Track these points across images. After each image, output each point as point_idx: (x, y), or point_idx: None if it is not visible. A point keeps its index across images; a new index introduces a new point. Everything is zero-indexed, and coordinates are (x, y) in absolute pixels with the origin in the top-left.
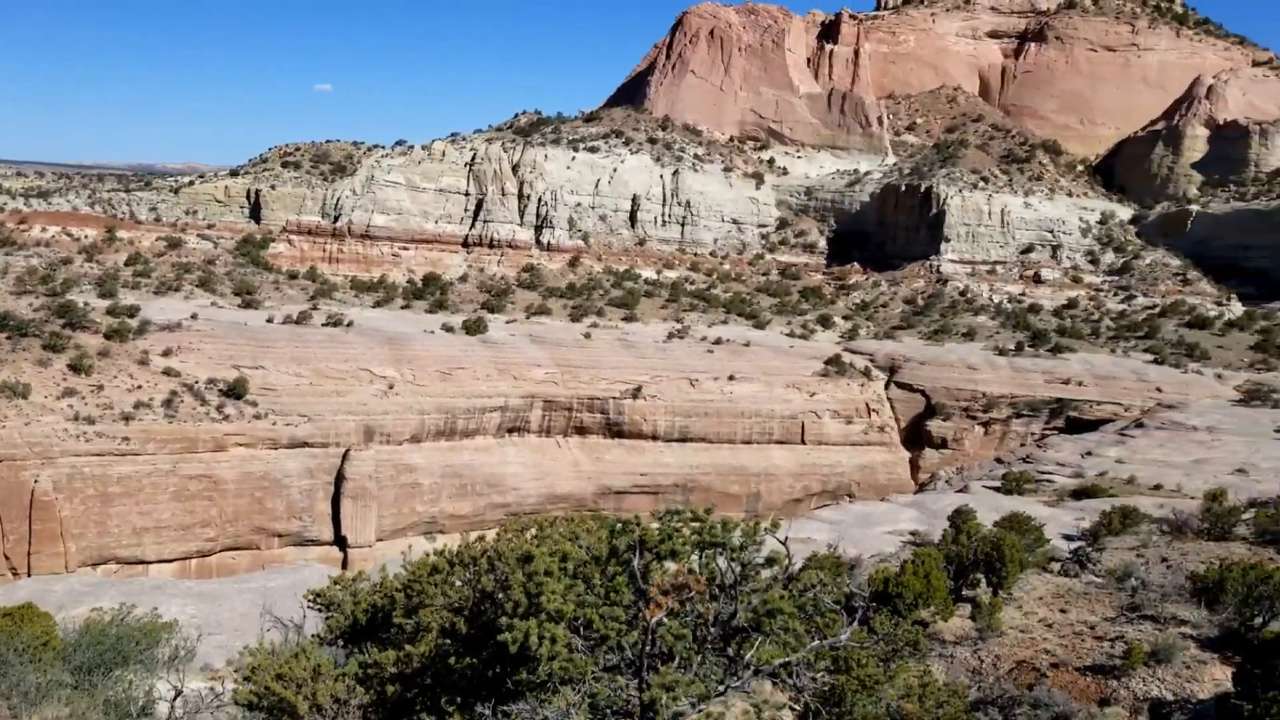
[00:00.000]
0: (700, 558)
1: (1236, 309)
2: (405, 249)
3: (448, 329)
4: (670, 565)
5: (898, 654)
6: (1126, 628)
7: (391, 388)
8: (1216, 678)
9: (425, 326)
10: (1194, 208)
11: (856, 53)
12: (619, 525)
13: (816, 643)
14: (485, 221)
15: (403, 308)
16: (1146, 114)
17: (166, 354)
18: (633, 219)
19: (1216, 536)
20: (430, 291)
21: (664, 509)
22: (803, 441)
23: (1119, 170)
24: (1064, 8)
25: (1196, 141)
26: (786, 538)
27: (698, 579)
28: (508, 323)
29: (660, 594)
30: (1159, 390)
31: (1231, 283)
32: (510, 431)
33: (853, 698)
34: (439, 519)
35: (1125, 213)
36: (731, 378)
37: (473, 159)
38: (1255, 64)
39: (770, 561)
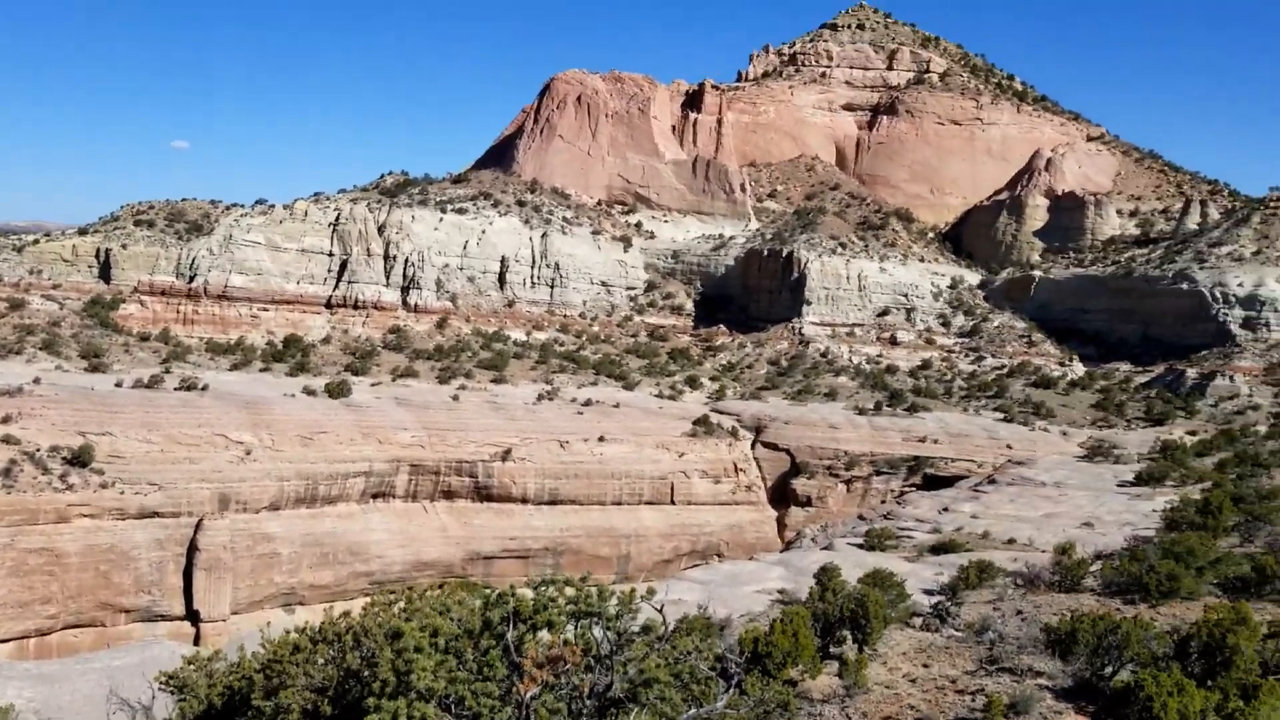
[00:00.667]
0: (576, 627)
1: (1078, 369)
2: (265, 310)
3: (309, 392)
4: (545, 636)
5: (769, 716)
6: (986, 680)
7: (249, 454)
8: None
9: (285, 390)
10: (1037, 273)
11: (719, 122)
12: (493, 596)
13: (693, 711)
14: (350, 282)
15: (262, 370)
16: (991, 184)
17: (5, 420)
18: (501, 280)
19: (1067, 588)
20: (291, 353)
21: (535, 574)
22: (672, 502)
23: (967, 237)
24: (914, 83)
25: (1037, 211)
26: (663, 605)
27: (574, 650)
28: (373, 385)
29: (535, 667)
30: (1009, 447)
31: (1072, 344)
32: (375, 497)
33: None
34: (298, 590)
35: (974, 278)
36: (601, 439)
37: (337, 219)
38: (1089, 139)
39: (646, 629)
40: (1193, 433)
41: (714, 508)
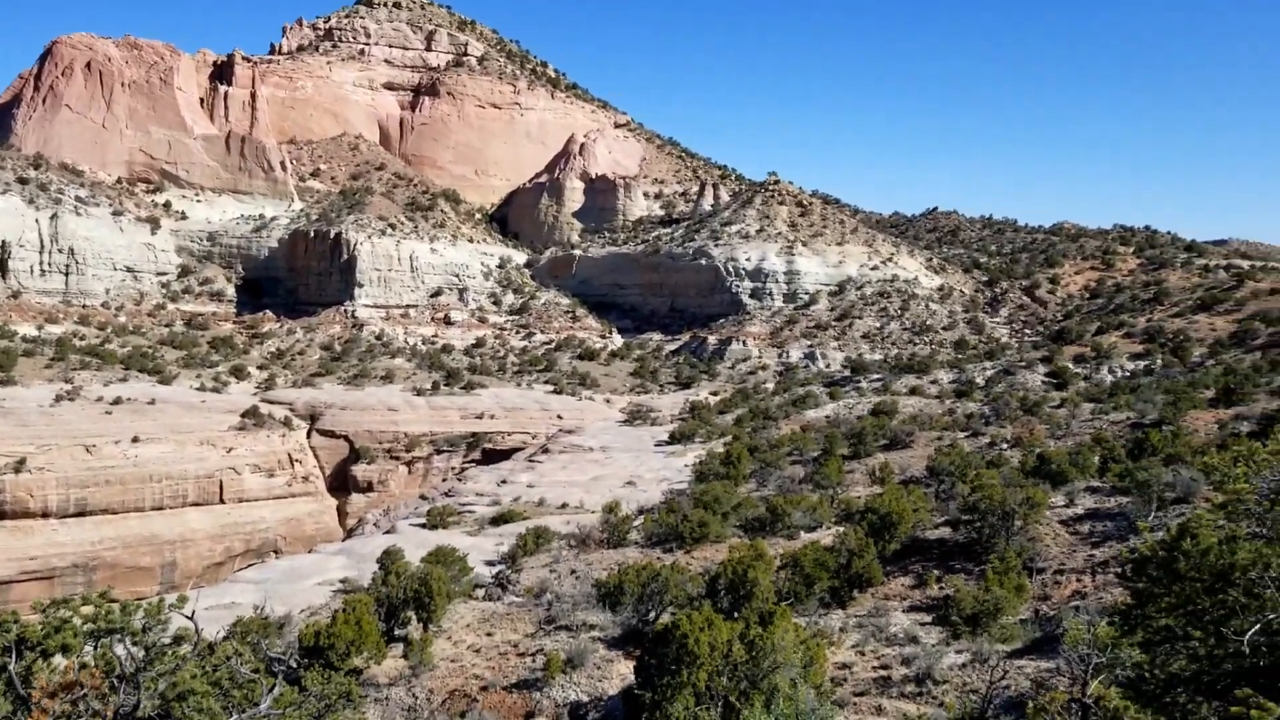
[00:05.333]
0: (96, 647)
1: (618, 340)
2: None
3: None
4: (61, 661)
5: (331, 709)
6: (545, 640)
7: None
8: (622, 673)
9: None
10: (577, 252)
11: (253, 95)
12: None
13: (235, 717)
14: None
15: None
16: (532, 167)
17: None
18: (3, 269)
19: (615, 544)
20: None
21: (63, 595)
22: (222, 501)
23: (512, 218)
24: (453, 66)
25: (575, 193)
26: (194, 611)
27: (93, 673)
28: None
29: (46, 697)
30: (560, 417)
31: (611, 317)
32: None
33: None
34: None
35: (521, 257)
36: (136, 439)
37: None
38: (617, 125)
39: (179, 639)
40: (715, 393)
41: (269, 502)
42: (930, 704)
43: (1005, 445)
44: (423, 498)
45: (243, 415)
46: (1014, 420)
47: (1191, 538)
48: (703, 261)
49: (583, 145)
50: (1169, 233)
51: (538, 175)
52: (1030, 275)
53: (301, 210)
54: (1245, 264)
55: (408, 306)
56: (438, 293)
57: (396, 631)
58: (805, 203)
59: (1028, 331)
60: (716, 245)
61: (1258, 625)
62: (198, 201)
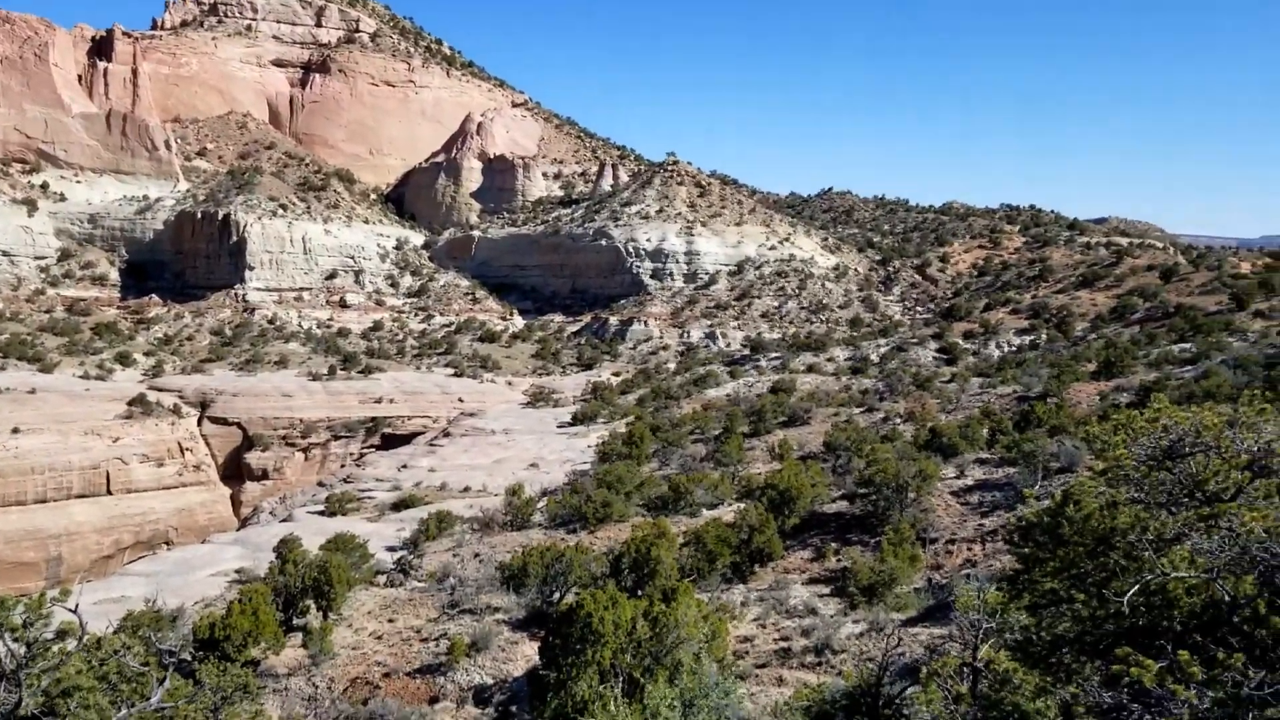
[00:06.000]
0: None
1: (519, 322)
2: None
3: None
4: None
5: (228, 701)
6: (449, 625)
7: None
8: (528, 654)
9: None
10: (476, 233)
11: (135, 73)
12: None
13: (124, 712)
14: None
15: None
16: (429, 146)
17: None
18: None
19: (518, 526)
20: None
21: None
22: (109, 492)
23: (409, 198)
24: (345, 42)
25: (473, 173)
26: (78, 605)
27: None
28: None
29: None
30: (461, 400)
31: (512, 298)
32: None
33: None
34: None
35: (418, 238)
36: (16, 430)
37: None
38: (515, 104)
39: (63, 634)
40: (617, 374)
41: (159, 493)
42: (829, 673)
43: (899, 420)
44: (321, 485)
45: (129, 403)
46: (907, 395)
47: (1074, 504)
48: (603, 242)
49: (480, 124)
50: (1053, 211)
51: (434, 155)
52: (922, 254)
53: (188, 191)
54: (1124, 241)
55: (301, 289)
56: (332, 275)
57: (295, 621)
58: (704, 183)
59: (920, 309)
60: (617, 226)
61: (1136, 586)
62: (77, 182)
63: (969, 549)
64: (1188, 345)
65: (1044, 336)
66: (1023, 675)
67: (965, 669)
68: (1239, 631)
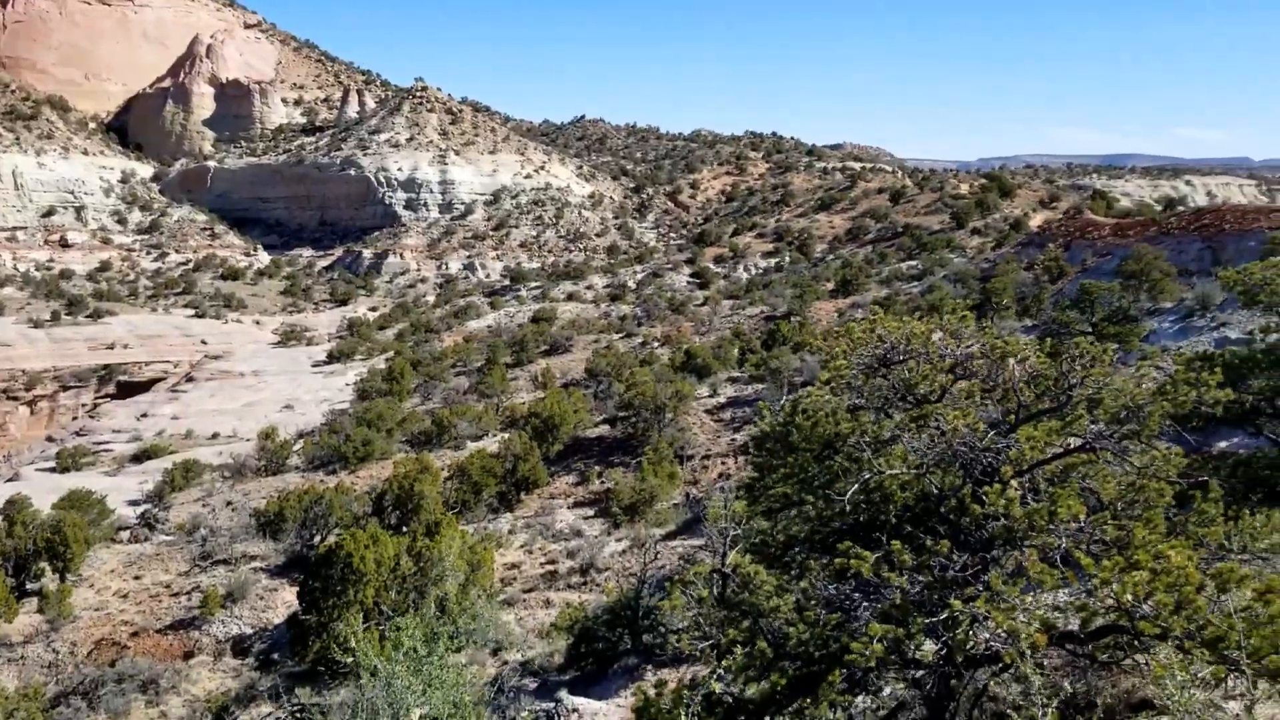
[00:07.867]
0: None
1: (264, 258)
2: None
3: None
4: None
5: None
6: (201, 577)
7: None
8: (288, 600)
9: None
10: (211, 164)
11: None
12: None
13: None
14: None
15: None
16: (154, 71)
17: None
18: None
19: (274, 471)
20: None
21: None
22: None
23: (133, 127)
24: None
25: (204, 99)
26: None
27: None
28: None
29: None
30: (204, 343)
31: (255, 233)
32: None
33: None
34: None
35: (146, 170)
36: None
37: None
38: (247, 26)
39: None
40: (374, 309)
41: None
42: (594, 591)
43: (656, 344)
44: (50, 439)
45: None
46: (663, 320)
47: (803, 413)
48: (352, 172)
49: (209, 46)
50: (793, 138)
51: (160, 80)
52: (673, 181)
53: None
54: (858, 166)
55: (15, 229)
56: (50, 212)
57: (29, 586)
58: (455, 110)
59: (673, 235)
60: (366, 155)
61: (856, 485)
62: None
63: (723, 463)
64: (915, 262)
65: (787, 259)
66: (765, 576)
67: (715, 575)
68: (946, 520)
